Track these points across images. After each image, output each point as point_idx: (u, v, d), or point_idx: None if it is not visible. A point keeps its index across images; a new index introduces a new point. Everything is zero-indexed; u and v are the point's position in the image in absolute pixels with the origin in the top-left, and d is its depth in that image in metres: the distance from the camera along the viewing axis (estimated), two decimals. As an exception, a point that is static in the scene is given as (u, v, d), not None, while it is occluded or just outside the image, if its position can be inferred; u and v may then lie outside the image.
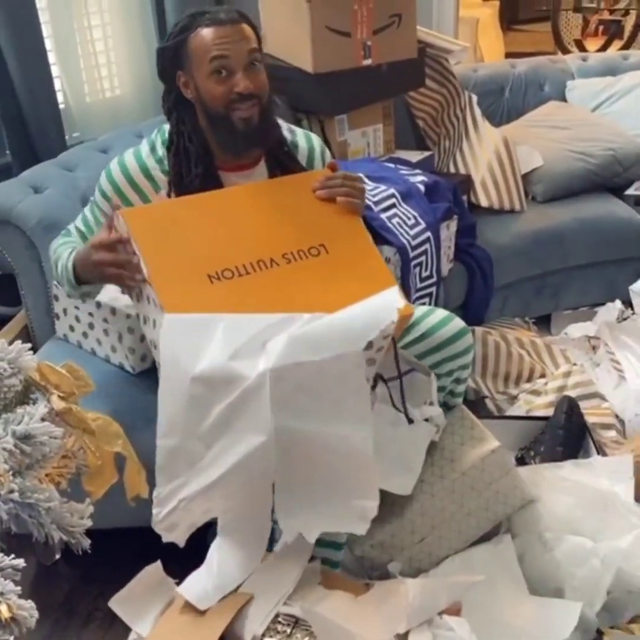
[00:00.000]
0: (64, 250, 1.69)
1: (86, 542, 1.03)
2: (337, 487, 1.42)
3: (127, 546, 1.94)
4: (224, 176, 1.69)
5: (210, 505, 1.44)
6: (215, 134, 1.65)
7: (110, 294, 1.85)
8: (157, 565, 1.52)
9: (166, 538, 1.43)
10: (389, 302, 1.43)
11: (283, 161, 1.74)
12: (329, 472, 1.41)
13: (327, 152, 1.86)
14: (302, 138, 1.81)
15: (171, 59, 1.63)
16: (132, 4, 3.04)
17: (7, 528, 0.96)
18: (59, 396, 1.01)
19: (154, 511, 1.40)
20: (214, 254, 1.48)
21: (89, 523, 1.02)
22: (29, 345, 1.02)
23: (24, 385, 1.02)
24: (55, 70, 2.74)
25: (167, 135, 1.70)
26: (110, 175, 1.69)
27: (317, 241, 1.54)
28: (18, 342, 1.01)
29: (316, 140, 1.84)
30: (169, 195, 1.68)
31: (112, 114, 3.05)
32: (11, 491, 0.91)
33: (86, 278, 1.60)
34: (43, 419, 0.95)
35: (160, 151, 1.69)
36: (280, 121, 1.77)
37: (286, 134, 1.78)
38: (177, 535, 1.45)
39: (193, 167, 1.65)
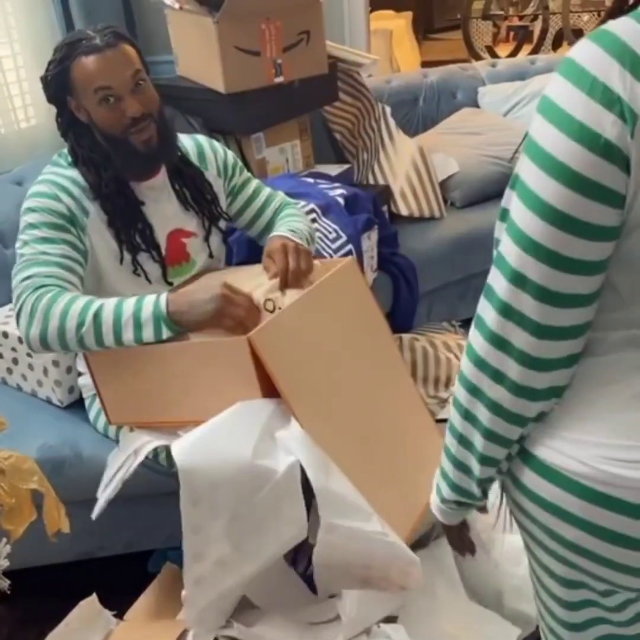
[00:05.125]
0: (94, 302, 1.50)
1: (5, 584, 1.01)
2: (375, 565, 1.45)
3: (66, 582, 1.92)
4: (131, 184, 1.72)
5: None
6: (116, 154, 1.66)
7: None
8: (93, 598, 1.50)
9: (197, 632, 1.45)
10: None
11: (180, 168, 1.78)
12: (368, 557, 1.43)
13: (216, 143, 1.89)
14: (188, 140, 1.86)
15: (56, 87, 1.64)
16: (43, 32, 3.00)
17: None
18: (-32, 438, 1.00)
19: (185, 609, 1.42)
20: None
21: (5, 563, 1.00)
22: None
23: None
24: (-35, 103, 2.70)
25: (68, 157, 1.71)
26: (42, 193, 1.64)
27: None
28: None
29: (200, 137, 1.90)
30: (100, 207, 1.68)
31: (29, 145, 3.00)
32: None
33: (178, 313, 1.48)
34: (-47, 462, 0.93)
35: (73, 168, 1.69)
36: None
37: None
38: (208, 628, 1.46)
39: (102, 172, 1.67)
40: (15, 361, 1.98)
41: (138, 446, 1.55)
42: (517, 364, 0.87)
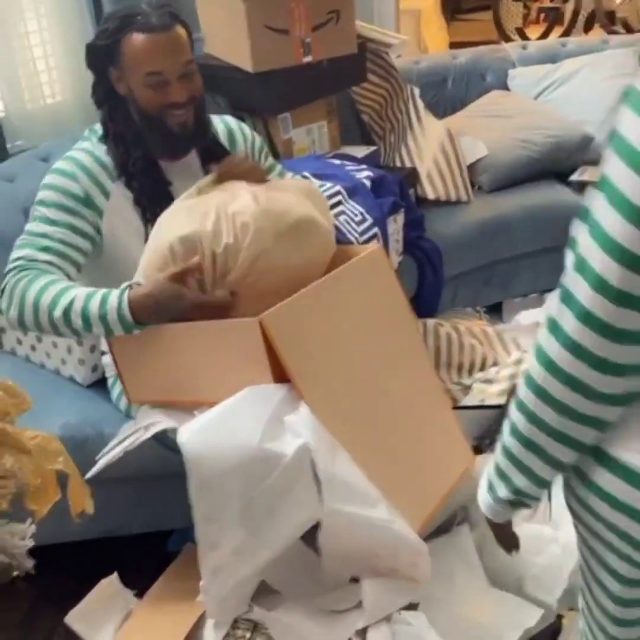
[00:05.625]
0: (65, 293, 1.49)
1: (30, 563, 1.01)
2: (382, 554, 1.43)
3: (86, 560, 1.93)
4: (161, 163, 1.71)
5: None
6: (150, 132, 1.65)
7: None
8: (114, 577, 1.51)
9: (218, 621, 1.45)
10: None
11: (211, 148, 1.76)
12: (374, 545, 1.42)
13: (245, 127, 1.88)
14: (217, 122, 1.84)
15: (103, 56, 1.63)
16: (70, 8, 2.99)
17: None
18: (-7, 417, 1.00)
19: (204, 599, 1.43)
20: None
21: (30, 543, 1.00)
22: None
23: (-42, 406, 0.99)
24: (-7, 78, 2.70)
25: (98, 131, 1.71)
26: (62, 171, 1.65)
27: None
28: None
29: (230, 119, 1.88)
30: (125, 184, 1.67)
31: (55, 120, 3.00)
32: (-54, 517, 0.89)
33: (144, 320, 1.48)
34: (-22, 441, 0.93)
35: (101, 144, 1.69)
36: None
37: None
38: (229, 616, 1.46)
39: (132, 151, 1.66)
40: (39, 339, 1.98)
41: (150, 423, 1.55)
42: (596, 371, 0.83)
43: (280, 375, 1.39)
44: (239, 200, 1.50)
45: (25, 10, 2.86)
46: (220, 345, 1.44)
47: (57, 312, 1.48)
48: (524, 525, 1.70)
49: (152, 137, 1.66)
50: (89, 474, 1.49)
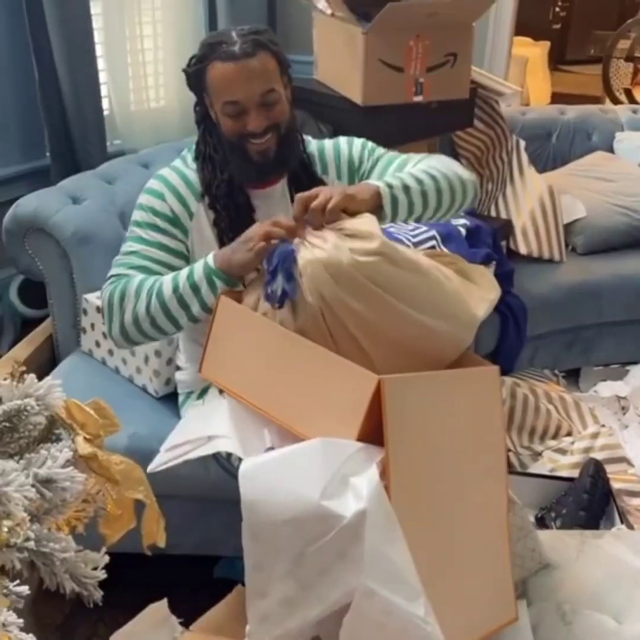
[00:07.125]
0: (155, 283, 1.56)
1: (98, 594, 0.99)
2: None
3: (129, 571, 1.90)
4: (247, 190, 1.70)
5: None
6: (233, 158, 1.65)
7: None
8: (163, 603, 1.48)
9: None
10: None
11: (303, 181, 1.71)
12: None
13: (342, 143, 1.80)
14: (313, 145, 1.79)
15: (194, 82, 1.64)
16: (186, 16, 3.03)
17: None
18: (84, 438, 0.98)
19: None
20: None
21: (103, 575, 0.98)
22: (59, 381, 0.98)
23: (48, 421, 0.98)
24: (102, 77, 2.74)
25: (194, 147, 1.72)
26: (152, 191, 1.68)
27: None
28: (48, 379, 0.98)
29: (328, 141, 1.82)
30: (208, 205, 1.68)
31: (154, 125, 3.04)
32: (27, 539, 0.87)
33: (224, 263, 1.53)
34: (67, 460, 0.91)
35: (193, 163, 1.71)
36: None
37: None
38: None
39: (218, 173, 1.67)
40: (117, 343, 1.98)
41: (214, 435, 1.51)
42: None
43: (362, 436, 1.34)
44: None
45: (143, 14, 2.91)
46: (324, 378, 1.38)
47: (153, 297, 1.55)
48: (586, 613, 1.63)
49: (234, 163, 1.66)
50: (150, 468, 1.48)
